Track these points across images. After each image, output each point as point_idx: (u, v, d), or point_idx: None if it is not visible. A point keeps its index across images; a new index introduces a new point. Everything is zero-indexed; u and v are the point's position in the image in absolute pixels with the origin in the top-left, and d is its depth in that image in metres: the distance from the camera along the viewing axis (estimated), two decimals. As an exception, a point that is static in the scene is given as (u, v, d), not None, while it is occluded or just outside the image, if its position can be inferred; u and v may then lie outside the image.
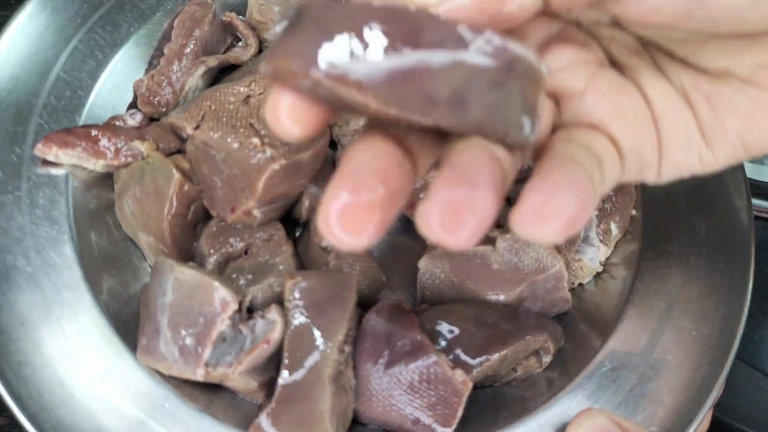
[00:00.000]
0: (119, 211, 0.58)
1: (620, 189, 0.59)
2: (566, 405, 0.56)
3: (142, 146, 0.56)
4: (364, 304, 0.56)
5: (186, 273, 0.50)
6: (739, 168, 0.65)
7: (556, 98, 0.37)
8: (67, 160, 0.56)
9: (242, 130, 0.51)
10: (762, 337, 0.77)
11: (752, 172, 0.87)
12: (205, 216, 0.57)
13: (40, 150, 0.55)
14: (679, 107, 0.37)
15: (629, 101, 0.37)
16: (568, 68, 0.37)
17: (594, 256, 0.58)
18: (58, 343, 0.54)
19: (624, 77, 0.38)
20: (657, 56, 0.38)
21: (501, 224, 0.54)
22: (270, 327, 0.51)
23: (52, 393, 0.52)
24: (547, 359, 0.58)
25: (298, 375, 0.50)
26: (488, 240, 0.53)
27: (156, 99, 0.62)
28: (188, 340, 0.50)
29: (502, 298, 0.54)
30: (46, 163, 0.57)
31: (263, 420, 0.51)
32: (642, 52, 0.38)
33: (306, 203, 0.58)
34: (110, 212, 0.60)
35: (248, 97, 0.53)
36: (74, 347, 0.54)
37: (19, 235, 0.56)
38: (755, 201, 0.87)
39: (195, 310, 0.49)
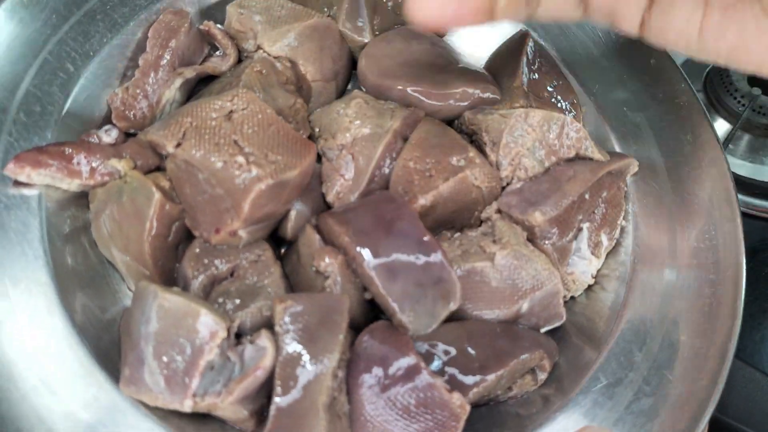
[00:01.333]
0: (96, 232, 0.55)
1: (610, 201, 0.58)
2: (563, 423, 0.55)
3: (119, 164, 0.53)
4: (356, 327, 0.54)
5: (170, 300, 0.48)
6: (727, 176, 0.65)
7: None
8: (40, 180, 0.53)
9: (226, 147, 0.48)
10: (762, 337, 0.77)
11: (752, 172, 0.87)
12: (188, 236, 0.55)
13: (11, 170, 0.52)
14: None
15: None
16: None
17: (586, 269, 0.57)
18: (36, 375, 0.51)
19: None
20: None
21: (496, 239, 0.53)
22: (260, 353, 0.49)
23: (31, 429, 0.49)
24: (542, 376, 0.57)
25: (291, 403, 0.48)
26: (486, 256, 0.52)
27: (131, 113, 0.59)
28: (175, 370, 0.47)
29: (499, 315, 0.53)
30: (18, 183, 0.54)
31: (255, 450, 0.49)
32: None
33: (292, 221, 0.55)
34: (86, 233, 0.57)
35: (231, 112, 0.50)
36: (52, 379, 0.52)
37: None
38: (755, 201, 0.88)
39: (181, 338, 0.47)
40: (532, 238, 0.53)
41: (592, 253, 0.57)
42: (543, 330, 0.57)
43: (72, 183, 0.54)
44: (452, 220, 0.53)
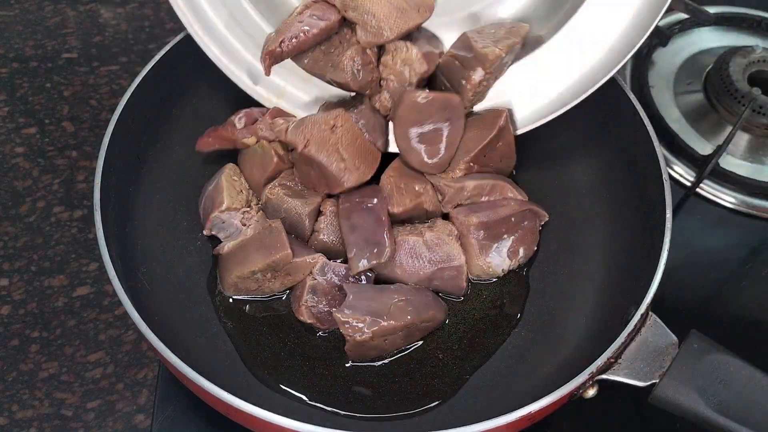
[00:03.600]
0: (240, 166, 0.79)
1: (530, 230, 0.76)
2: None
3: (249, 140, 0.76)
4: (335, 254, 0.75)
5: (216, 181, 0.75)
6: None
7: None
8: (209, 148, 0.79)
9: (334, 154, 0.71)
10: (762, 337, 0.77)
11: (752, 172, 0.87)
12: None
13: (198, 145, 0.77)
14: None
15: None
16: None
17: (500, 263, 0.75)
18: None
19: None
20: None
21: (431, 227, 0.73)
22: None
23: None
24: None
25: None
26: (420, 233, 0.72)
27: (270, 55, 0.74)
28: (204, 209, 0.75)
29: (419, 277, 0.72)
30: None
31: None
32: None
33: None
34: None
35: (334, 126, 0.71)
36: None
37: None
38: (755, 201, 0.87)
39: (210, 199, 0.74)
40: (465, 234, 0.74)
41: (508, 256, 0.75)
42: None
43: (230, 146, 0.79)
44: (409, 219, 0.76)
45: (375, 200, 0.72)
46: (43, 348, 1.53)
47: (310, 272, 0.70)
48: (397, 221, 0.75)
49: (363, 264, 0.69)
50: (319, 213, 0.74)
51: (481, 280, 0.75)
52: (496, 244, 0.74)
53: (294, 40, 0.68)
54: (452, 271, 0.72)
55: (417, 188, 0.74)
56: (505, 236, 0.74)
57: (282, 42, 0.68)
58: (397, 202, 0.73)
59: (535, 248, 0.77)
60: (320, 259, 0.70)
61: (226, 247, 0.72)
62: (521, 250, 0.76)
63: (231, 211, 0.73)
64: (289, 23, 0.70)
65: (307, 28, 0.68)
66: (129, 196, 0.73)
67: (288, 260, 0.69)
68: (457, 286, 0.73)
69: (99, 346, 1.54)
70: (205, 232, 0.74)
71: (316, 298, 0.70)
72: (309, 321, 0.69)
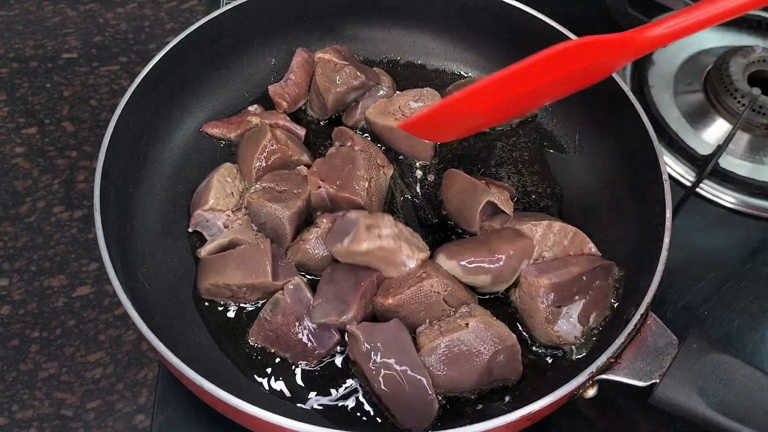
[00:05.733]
0: (237, 154, 0.81)
1: (601, 289, 0.68)
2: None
3: (255, 119, 0.83)
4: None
5: (211, 176, 0.76)
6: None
7: None
8: (217, 134, 0.83)
9: (360, 171, 0.74)
10: (762, 337, 0.77)
11: (752, 172, 0.87)
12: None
13: (204, 128, 0.82)
14: None
15: None
16: None
17: (571, 330, 0.68)
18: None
19: None
20: None
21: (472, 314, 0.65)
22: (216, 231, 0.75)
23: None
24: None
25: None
26: (463, 326, 0.64)
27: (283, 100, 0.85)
28: (193, 202, 0.76)
29: (475, 375, 0.64)
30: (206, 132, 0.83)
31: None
32: None
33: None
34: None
35: (352, 145, 0.77)
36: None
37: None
38: (755, 201, 0.87)
39: (200, 194, 0.76)
40: (533, 297, 0.67)
41: (579, 322, 0.67)
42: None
43: (231, 134, 0.83)
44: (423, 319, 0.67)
45: (364, 271, 0.67)
46: (43, 348, 1.54)
47: (283, 288, 0.68)
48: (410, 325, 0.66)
49: (322, 317, 0.64)
50: (312, 223, 0.73)
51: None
52: (566, 308, 0.67)
53: None
54: (507, 352, 0.64)
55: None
56: (577, 298, 0.67)
57: None
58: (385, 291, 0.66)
59: (608, 313, 0.69)
60: (297, 279, 0.68)
61: (203, 251, 0.72)
62: (592, 317, 0.68)
63: (215, 211, 0.73)
64: None
65: None
66: (129, 196, 0.73)
67: (267, 286, 0.68)
68: (515, 370, 0.66)
69: (99, 346, 1.54)
70: (189, 229, 0.75)
71: (273, 315, 0.67)
72: (255, 340, 0.68)
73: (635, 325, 0.61)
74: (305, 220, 0.74)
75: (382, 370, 0.61)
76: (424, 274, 0.66)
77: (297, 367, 0.67)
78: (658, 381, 0.59)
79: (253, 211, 0.73)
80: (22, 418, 1.46)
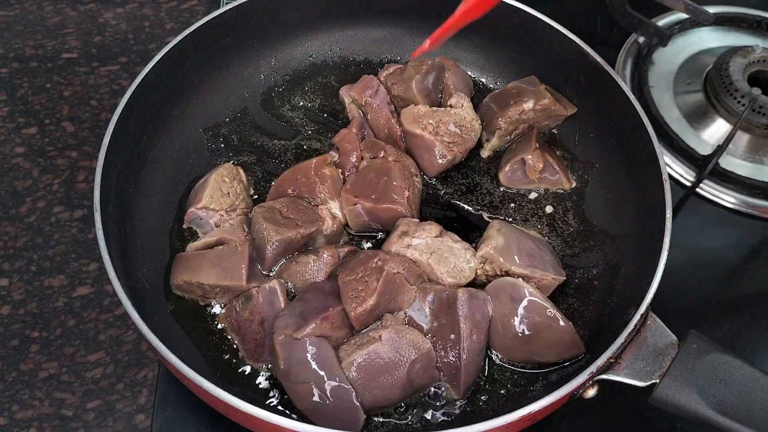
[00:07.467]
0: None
1: None
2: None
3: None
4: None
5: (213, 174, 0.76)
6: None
7: None
8: None
9: (392, 190, 0.75)
10: (762, 337, 0.77)
11: (752, 172, 0.87)
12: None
13: None
14: None
15: None
16: None
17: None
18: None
19: None
20: None
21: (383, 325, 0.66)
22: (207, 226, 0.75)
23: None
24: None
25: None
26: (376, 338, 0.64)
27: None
28: (190, 200, 0.76)
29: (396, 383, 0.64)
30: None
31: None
32: None
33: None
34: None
35: (382, 162, 0.78)
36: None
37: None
38: (755, 201, 0.87)
39: (196, 191, 0.76)
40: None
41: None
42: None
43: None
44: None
45: (336, 300, 0.66)
46: (43, 348, 1.54)
47: (258, 286, 0.68)
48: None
49: (281, 328, 0.63)
50: (316, 250, 0.71)
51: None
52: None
53: None
54: (424, 360, 0.65)
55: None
56: None
57: None
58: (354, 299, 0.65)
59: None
60: (276, 284, 0.68)
61: (189, 248, 0.72)
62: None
63: (209, 210, 0.73)
64: None
65: None
66: (129, 196, 0.73)
67: (241, 289, 0.68)
68: (433, 377, 0.66)
69: (99, 346, 1.54)
70: (184, 225, 0.75)
71: (242, 307, 0.68)
72: (221, 321, 0.69)
73: (635, 325, 0.61)
74: (292, 254, 0.73)
75: (299, 387, 0.61)
76: (380, 261, 0.67)
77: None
78: (658, 381, 0.59)
79: (251, 222, 0.72)
80: (22, 418, 1.46)
